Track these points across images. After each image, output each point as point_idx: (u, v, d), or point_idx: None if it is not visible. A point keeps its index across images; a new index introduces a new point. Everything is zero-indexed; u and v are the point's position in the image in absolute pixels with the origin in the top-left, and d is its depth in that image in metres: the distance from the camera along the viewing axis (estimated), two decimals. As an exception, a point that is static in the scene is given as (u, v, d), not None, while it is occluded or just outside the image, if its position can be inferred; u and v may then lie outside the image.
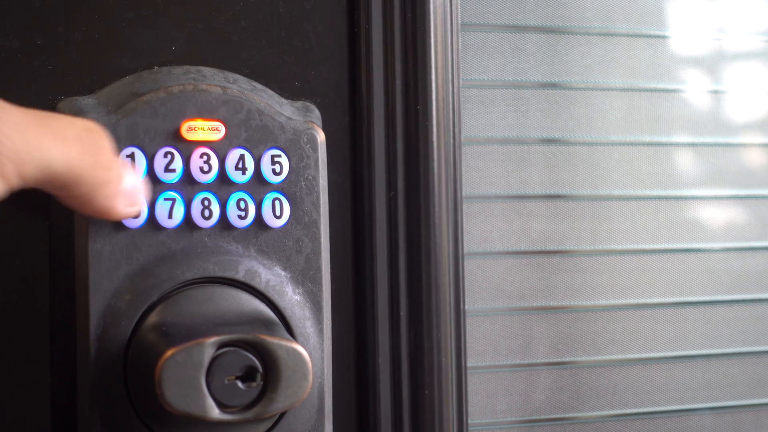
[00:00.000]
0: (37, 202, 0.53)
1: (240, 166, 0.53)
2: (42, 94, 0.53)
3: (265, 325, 0.52)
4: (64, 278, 0.53)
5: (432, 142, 0.58)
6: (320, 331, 0.55)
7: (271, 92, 0.56)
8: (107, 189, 0.47)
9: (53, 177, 0.45)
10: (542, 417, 0.70)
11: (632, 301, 0.71)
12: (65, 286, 0.53)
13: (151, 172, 0.52)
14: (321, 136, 0.55)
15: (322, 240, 0.55)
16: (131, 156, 0.52)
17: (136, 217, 0.51)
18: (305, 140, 0.55)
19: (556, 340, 0.70)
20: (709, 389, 0.73)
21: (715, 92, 0.74)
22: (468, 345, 0.64)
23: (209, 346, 0.48)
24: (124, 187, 0.48)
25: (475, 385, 0.68)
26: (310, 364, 0.49)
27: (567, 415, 0.70)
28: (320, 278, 0.55)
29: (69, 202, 0.48)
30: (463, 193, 0.61)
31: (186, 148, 0.53)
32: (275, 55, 0.57)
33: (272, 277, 0.53)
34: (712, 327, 0.73)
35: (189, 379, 0.48)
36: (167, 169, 0.52)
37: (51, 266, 0.53)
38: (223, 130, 0.53)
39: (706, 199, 0.73)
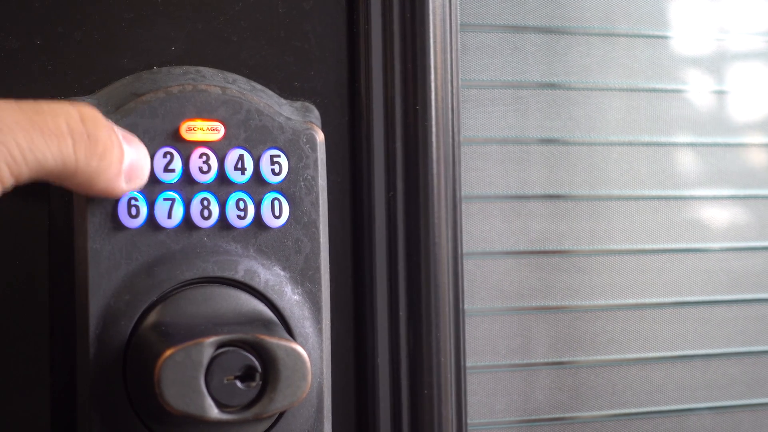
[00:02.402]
0: (37, 201, 0.53)
1: (239, 166, 0.53)
2: (42, 94, 0.53)
3: (264, 325, 0.52)
4: (64, 278, 0.53)
5: (431, 142, 0.58)
6: (319, 330, 0.55)
7: (270, 92, 0.56)
8: (105, 175, 0.47)
9: (48, 174, 0.45)
10: (541, 417, 0.70)
11: (631, 301, 0.71)
12: (65, 286, 0.53)
13: (150, 172, 0.52)
14: (320, 137, 0.55)
15: (321, 240, 0.55)
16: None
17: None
18: (304, 140, 0.55)
19: (555, 340, 0.70)
20: (708, 389, 0.73)
21: (715, 92, 0.74)
22: (467, 345, 0.64)
23: (208, 345, 0.48)
24: (124, 166, 0.48)
25: (474, 385, 0.68)
26: (309, 364, 0.49)
27: (566, 415, 0.70)
28: (319, 278, 0.55)
29: (69, 188, 0.48)
30: (462, 193, 0.61)
31: (185, 148, 0.53)
32: (274, 56, 0.57)
33: (271, 277, 0.53)
34: (711, 327, 0.73)
35: (188, 379, 0.48)
36: (166, 169, 0.52)
37: (51, 266, 0.53)
38: (222, 130, 0.53)
39: (705, 199, 0.73)
